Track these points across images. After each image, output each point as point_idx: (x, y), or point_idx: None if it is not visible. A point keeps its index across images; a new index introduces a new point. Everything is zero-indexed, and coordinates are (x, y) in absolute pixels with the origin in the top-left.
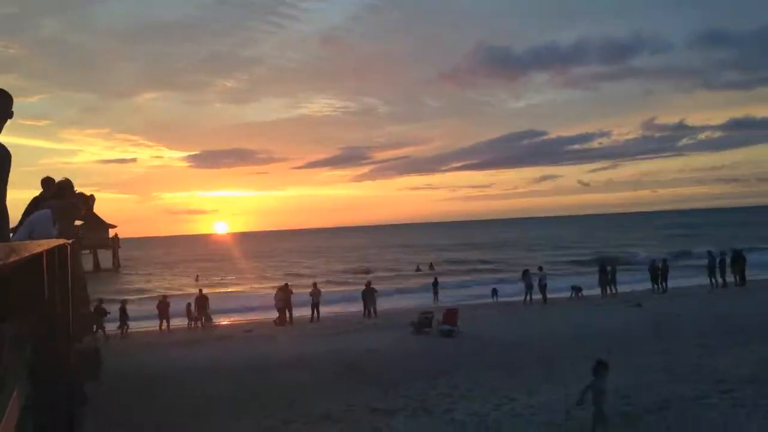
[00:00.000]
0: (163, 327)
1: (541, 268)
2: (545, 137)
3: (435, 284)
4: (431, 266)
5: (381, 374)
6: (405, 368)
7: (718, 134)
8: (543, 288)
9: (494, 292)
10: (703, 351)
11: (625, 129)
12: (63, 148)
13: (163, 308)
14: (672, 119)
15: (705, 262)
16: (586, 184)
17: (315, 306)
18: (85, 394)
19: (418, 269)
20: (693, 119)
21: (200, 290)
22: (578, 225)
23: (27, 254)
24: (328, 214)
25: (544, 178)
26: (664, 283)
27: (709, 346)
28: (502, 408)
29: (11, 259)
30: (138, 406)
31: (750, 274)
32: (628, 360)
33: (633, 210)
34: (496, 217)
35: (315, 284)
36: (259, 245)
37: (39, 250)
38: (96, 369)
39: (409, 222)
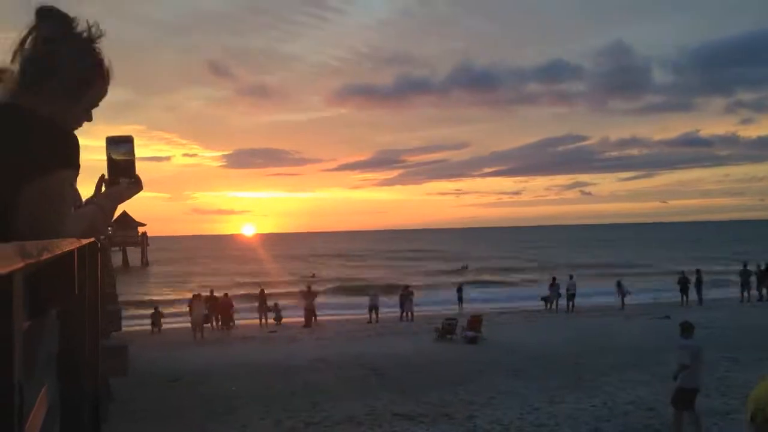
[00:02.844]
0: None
1: (571, 277)
2: (583, 143)
3: (459, 290)
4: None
5: (404, 379)
6: (428, 374)
7: (758, 145)
8: (571, 296)
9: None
10: (733, 364)
11: (663, 139)
12: (96, 144)
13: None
14: (714, 130)
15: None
16: (618, 194)
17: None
18: (111, 390)
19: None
20: (735, 130)
21: (211, 292)
22: (603, 233)
23: (59, 252)
24: (358, 217)
25: (576, 185)
26: (698, 295)
27: (739, 360)
28: (525, 417)
29: (44, 257)
30: (162, 403)
31: None
32: (654, 371)
33: (666, 220)
34: (523, 224)
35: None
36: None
37: (70, 248)
38: (123, 365)
39: (435, 227)
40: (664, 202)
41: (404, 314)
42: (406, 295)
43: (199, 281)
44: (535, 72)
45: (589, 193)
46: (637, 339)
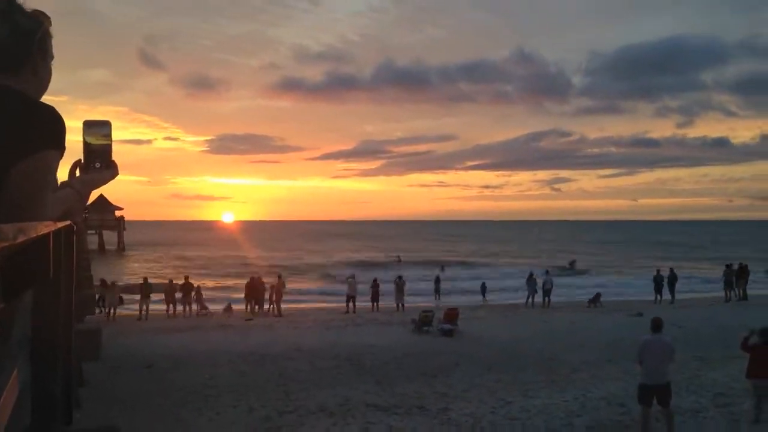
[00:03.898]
0: (169, 311)
1: (547, 272)
2: (568, 138)
3: (437, 282)
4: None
5: (379, 370)
6: (403, 365)
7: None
8: (547, 292)
9: (483, 288)
10: (703, 363)
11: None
12: (76, 126)
13: (170, 292)
14: (700, 131)
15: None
16: (597, 191)
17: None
18: (83, 375)
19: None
20: (721, 132)
21: (186, 277)
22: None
23: (35, 234)
24: (340, 206)
25: (557, 181)
26: (671, 293)
27: (709, 359)
28: (498, 410)
29: (20, 239)
30: (136, 388)
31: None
32: (625, 367)
33: (642, 218)
34: (502, 218)
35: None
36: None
37: (46, 230)
38: (96, 349)
39: (415, 219)
40: (635, 200)
41: (397, 305)
42: (399, 286)
43: (175, 266)
44: (515, 68)
45: (559, 189)
46: (610, 336)
